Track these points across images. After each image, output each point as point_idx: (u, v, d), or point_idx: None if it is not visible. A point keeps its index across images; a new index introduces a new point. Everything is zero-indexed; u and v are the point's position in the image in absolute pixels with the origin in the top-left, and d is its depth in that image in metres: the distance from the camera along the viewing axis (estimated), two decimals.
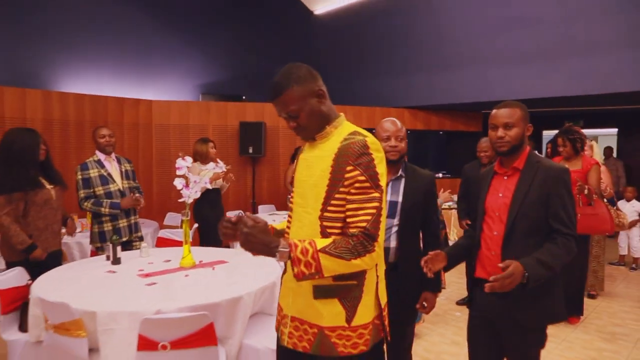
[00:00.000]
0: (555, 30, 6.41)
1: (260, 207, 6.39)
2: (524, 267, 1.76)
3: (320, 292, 1.60)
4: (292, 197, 1.80)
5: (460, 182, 4.55)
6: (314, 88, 1.63)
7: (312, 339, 1.63)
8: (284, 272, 1.78)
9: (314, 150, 1.71)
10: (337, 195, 1.57)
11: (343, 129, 1.67)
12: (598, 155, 4.88)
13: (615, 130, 9.89)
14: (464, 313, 4.34)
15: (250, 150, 6.70)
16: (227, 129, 7.02)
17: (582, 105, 8.30)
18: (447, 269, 2.17)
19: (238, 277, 2.68)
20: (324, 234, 1.59)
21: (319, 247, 1.50)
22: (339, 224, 1.58)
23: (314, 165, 1.67)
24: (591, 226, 3.84)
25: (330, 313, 1.60)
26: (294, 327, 1.67)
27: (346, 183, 1.55)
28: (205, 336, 2.04)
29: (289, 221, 1.80)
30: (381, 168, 1.58)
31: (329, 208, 1.58)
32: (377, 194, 1.55)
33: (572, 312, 4.12)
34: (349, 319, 1.60)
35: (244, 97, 7.78)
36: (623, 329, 3.98)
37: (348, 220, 1.56)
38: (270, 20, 9.00)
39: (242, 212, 5.93)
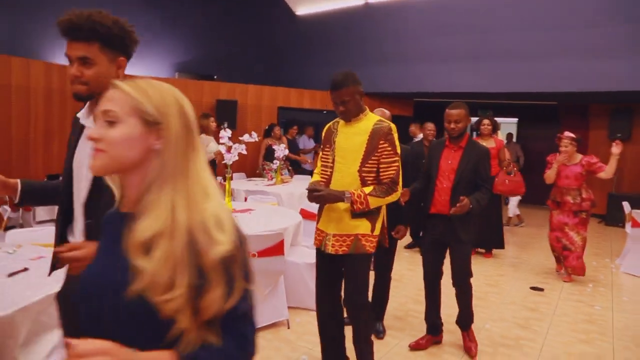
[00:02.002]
0: (477, 37, 8.08)
1: (234, 175, 7.48)
2: (470, 201, 3.07)
3: (356, 215, 2.58)
4: (327, 158, 2.72)
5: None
6: (359, 89, 2.59)
7: (350, 244, 2.60)
8: (321, 210, 2.76)
9: (350, 128, 2.65)
10: (372, 157, 2.57)
11: (369, 116, 2.67)
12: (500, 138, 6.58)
13: (515, 120, 11.98)
14: (411, 253, 5.87)
15: (226, 125, 7.73)
16: (202, 105, 7.95)
17: (490, 99, 10.17)
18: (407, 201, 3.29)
19: (273, 218, 3.91)
20: (363, 181, 2.56)
21: (367, 192, 2.52)
22: (372, 175, 2.58)
23: (352, 138, 2.62)
24: (512, 190, 5.48)
25: (361, 226, 2.60)
26: (335, 240, 2.62)
27: (379, 151, 2.56)
28: (279, 248, 3.27)
29: (325, 173, 2.71)
30: (397, 143, 2.64)
31: (366, 165, 2.57)
32: (397, 158, 2.59)
33: (490, 247, 5.88)
34: (372, 230, 2.62)
35: (215, 77, 8.69)
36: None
37: (381, 173, 2.57)
38: (245, 7, 9.89)
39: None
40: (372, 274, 2.88)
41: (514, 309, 4.19)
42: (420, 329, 3.53)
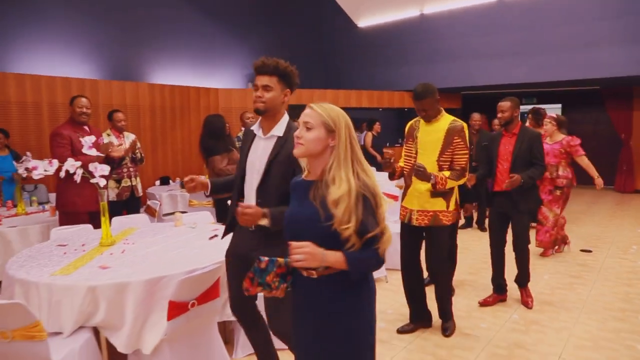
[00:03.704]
0: (518, 34, 8.82)
1: None
2: (521, 177, 3.75)
3: (434, 194, 3.24)
4: (410, 149, 3.36)
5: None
6: (436, 97, 3.24)
7: (430, 218, 3.26)
8: (405, 191, 3.42)
9: (430, 126, 3.30)
10: (448, 150, 3.21)
11: (444, 117, 3.30)
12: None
13: (559, 106, 12.51)
14: (461, 233, 6.72)
15: None
16: None
17: (533, 88, 10.80)
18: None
19: None
20: (440, 168, 3.21)
21: (446, 176, 3.17)
22: (447, 164, 3.21)
23: (431, 134, 3.26)
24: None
25: (438, 203, 3.25)
26: (419, 214, 3.29)
27: (453, 145, 3.20)
28: None
29: (409, 161, 3.35)
30: (467, 138, 3.44)
31: (443, 156, 3.22)
32: (467, 150, 3.22)
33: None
34: (447, 207, 3.27)
35: None
36: None
37: (455, 162, 3.21)
38: (309, 20, 11.02)
39: None
40: None
41: (566, 265, 5.02)
42: (484, 290, 4.24)
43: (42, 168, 3.11)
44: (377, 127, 8.44)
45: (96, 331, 2.65)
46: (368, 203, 1.68)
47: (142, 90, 7.57)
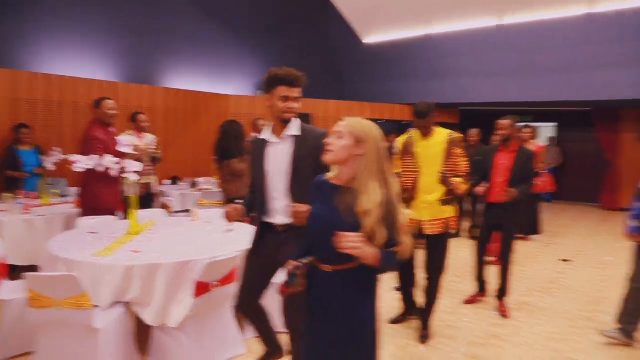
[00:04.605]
0: (517, 55, 9.31)
1: None
2: (517, 191, 4.10)
3: (444, 202, 3.47)
4: (408, 164, 3.54)
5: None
6: (435, 114, 3.50)
7: (443, 225, 3.48)
8: (411, 200, 3.53)
9: (428, 141, 3.50)
10: (449, 161, 3.44)
11: (439, 131, 3.54)
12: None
13: (554, 124, 12.98)
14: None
15: None
16: None
17: (530, 107, 11.28)
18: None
19: None
20: (444, 177, 3.44)
21: (461, 181, 3.43)
22: (451, 173, 3.41)
23: (431, 148, 3.47)
24: (543, 187, 6.68)
25: (448, 211, 3.49)
26: (431, 224, 3.46)
27: (454, 155, 3.44)
28: None
29: (410, 176, 3.52)
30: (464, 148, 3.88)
31: (445, 166, 3.44)
32: (467, 158, 3.50)
33: (528, 233, 7.05)
34: (456, 214, 3.57)
35: None
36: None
37: (459, 169, 3.43)
38: (317, 34, 11.55)
39: None
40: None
41: (547, 272, 5.46)
42: (468, 293, 4.61)
43: (84, 162, 3.53)
44: (389, 139, 8.44)
45: (127, 307, 3.05)
46: (392, 216, 1.80)
47: (158, 94, 8.02)
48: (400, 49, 11.00)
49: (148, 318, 2.96)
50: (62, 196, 5.77)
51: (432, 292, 3.65)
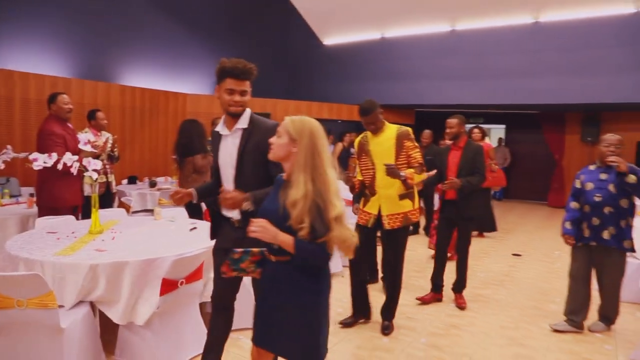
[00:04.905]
0: (469, 59, 9.70)
1: None
2: (461, 182, 4.22)
3: (402, 196, 3.55)
4: (366, 163, 3.62)
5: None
6: (380, 110, 3.54)
7: (402, 219, 3.53)
8: (367, 197, 3.66)
9: (378, 138, 3.57)
10: (401, 154, 3.50)
11: (389, 126, 3.59)
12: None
13: (503, 126, 13.58)
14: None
15: None
16: None
17: (481, 109, 11.76)
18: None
19: None
20: (389, 169, 3.39)
21: (413, 172, 3.47)
22: (405, 166, 3.48)
23: (383, 144, 3.54)
24: (496, 183, 7.02)
25: (407, 205, 3.56)
26: (389, 218, 3.53)
27: (406, 147, 3.50)
28: None
29: (368, 174, 3.62)
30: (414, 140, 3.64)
31: (399, 160, 3.49)
32: (419, 149, 3.55)
33: (482, 230, 7.35)
34: (413, 205, 3.60)
35: None
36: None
37: (412, 160, 3.49)
38: (278, 35, 11.57)
39: None
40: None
41: (499, 266, 5.74)
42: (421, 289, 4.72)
43: (42, 160, 3.43)
44: (347, 138, 8.44)
45: (91, 305, 3.01)
46: (318, 209, 1.87)
47: (114, 91, 7.83)
48: (357, 51, 11.24)
49: (115, 316, 2.94)
50: (13, 196, 5.55)
51: (392, 286, 3.72)
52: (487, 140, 7.65)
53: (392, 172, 3.41)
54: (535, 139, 12.15)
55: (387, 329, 3.70)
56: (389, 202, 3.57)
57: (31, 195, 5.19)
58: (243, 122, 2.50)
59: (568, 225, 3.76)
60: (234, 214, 2.55)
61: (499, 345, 3.56)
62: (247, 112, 2.53)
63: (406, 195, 3.59)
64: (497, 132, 13.91)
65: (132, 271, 2.91)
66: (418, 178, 3.54)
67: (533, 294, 4.76)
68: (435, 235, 5.47)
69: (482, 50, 9.58)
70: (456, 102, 10.13)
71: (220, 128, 2.58)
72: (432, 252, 5.73)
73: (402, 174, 3.43)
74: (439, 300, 4.47)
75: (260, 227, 1.90)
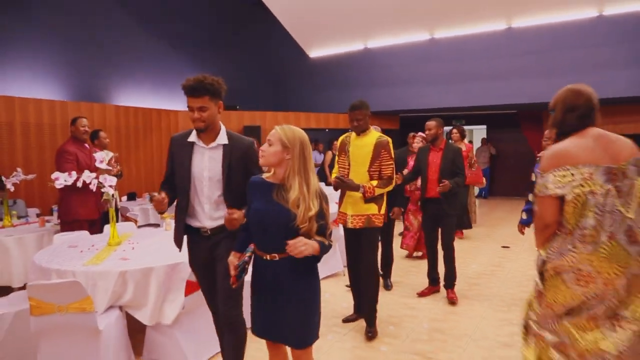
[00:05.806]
0: (450, 65, 10.16)
1: None
2: (450, 183, 4.53)
3: (367, 200, 3.58)
4: (343, 162, 3.71)
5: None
6: (369, 112, 3.66)
7: (364, 220, 3.59)
8: (342, 198, 3.73)
9: (360, 141, 3.65)
10: (376, 162, 3.57)
11: (372, 133, 3.67)
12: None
13: (484, 126, 14.08)
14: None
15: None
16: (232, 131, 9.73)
17: (462, 111, 12.23)
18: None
19: None
20: (370, 177, 3.57)
21: (374, 185, 3.53)
22: (376, 173, 3.57)
23: (362, 148, 3.61)
24: (474, 180, 7.38)
25: (371, 208, 3.59)
26: (353, 218, 3.63)
27: (381, 157, 3.56)
28: None
29: (343, 172, 3.68)
30: (392, 150, 3.63)
31: (372, 168, 3.57)
32: (392, 161, 3.60)
33: (461, 227, 7.68)
34: (379, 210, 3.61)
35: (237, 107, 10.49)
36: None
37: (382, 172, 3.57)
38: (264, 49, 11.89)
39: None
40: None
41: (490, 257, 6.09)
42: (420, 283, 5.02)
43: (63, 179, 3.68)
44: (317, 147, 8.90)
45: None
46: (321, 206, 2.11)
47: (109, 112, 8.05)
48: (341, 61, 11.66)
49: (144, 318, 3.18)
50: (20, 217, 5.73)
51: (366, 290, 3.76)
52: (465, 140, 8.02)
53: (341, 185, 3.56)
54: (516, 137, 12.64)
55: (370, 333, 3.70)
56: (355, 202, 3.66)
57: (38, 215, 5.40)
58: (222, 139, 2.56)
59: (524, 216, 3.94)
60: (208, 224, 2.61)
61: (495, 326, 3.88)
62: (223, 127, 2.61)
63: (372, 199, 3.64)
64: (479, 132, 14.41)
65: (157, 276, 3.16)
66: (379, 191, 3.60)
67: (523, 281, 5.11)
68: (408, 235, 5.97)
69: (460, 57, 10.07)
70: (438, 106, 10.57)
71: (194, 139, 2.58)
72: (406, 252, 6.12)
73: (361, 187, 3.54)
74: (437, 292, 4.76)
75: (305, 245, 2.02)
